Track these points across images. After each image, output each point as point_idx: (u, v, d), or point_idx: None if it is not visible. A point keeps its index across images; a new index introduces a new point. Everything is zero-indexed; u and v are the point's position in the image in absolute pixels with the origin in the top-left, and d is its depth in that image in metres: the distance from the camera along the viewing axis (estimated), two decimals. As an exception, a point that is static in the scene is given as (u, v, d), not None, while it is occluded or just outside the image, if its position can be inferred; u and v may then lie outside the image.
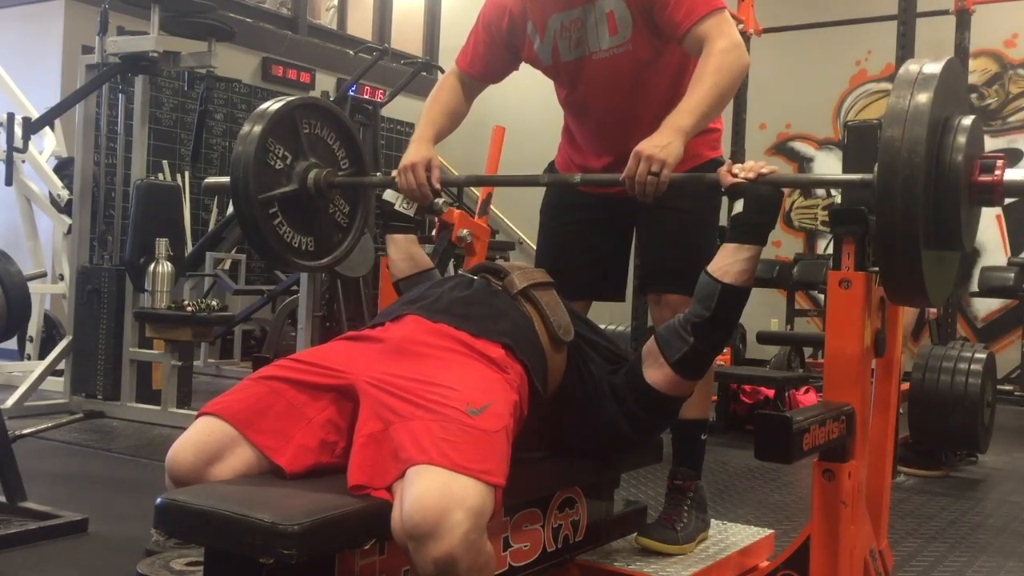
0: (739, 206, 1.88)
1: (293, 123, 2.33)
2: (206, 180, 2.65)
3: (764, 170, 1.86)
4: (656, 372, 1.87)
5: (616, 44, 2.16)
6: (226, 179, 2.31)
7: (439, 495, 1.36)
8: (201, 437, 1.55)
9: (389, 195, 2.23)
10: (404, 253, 2.20)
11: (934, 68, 1.69)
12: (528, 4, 2.24)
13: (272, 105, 2.32)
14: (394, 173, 2.22)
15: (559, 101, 2.40)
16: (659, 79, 2.21)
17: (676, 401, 1.93)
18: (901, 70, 1.71)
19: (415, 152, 2.19)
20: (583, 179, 2.16)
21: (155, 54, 4.89)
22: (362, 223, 2.53)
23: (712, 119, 2.05)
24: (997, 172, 1.71)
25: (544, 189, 2.50)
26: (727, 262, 1.86)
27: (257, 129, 2.25)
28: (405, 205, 2.21)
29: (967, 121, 1.71)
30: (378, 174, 2.45)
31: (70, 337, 5.12)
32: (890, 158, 1.62)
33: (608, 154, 2.27)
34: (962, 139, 1.68)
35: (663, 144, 1.90)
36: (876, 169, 1.66)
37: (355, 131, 2.55)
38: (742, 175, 1.86)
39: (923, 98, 1.64)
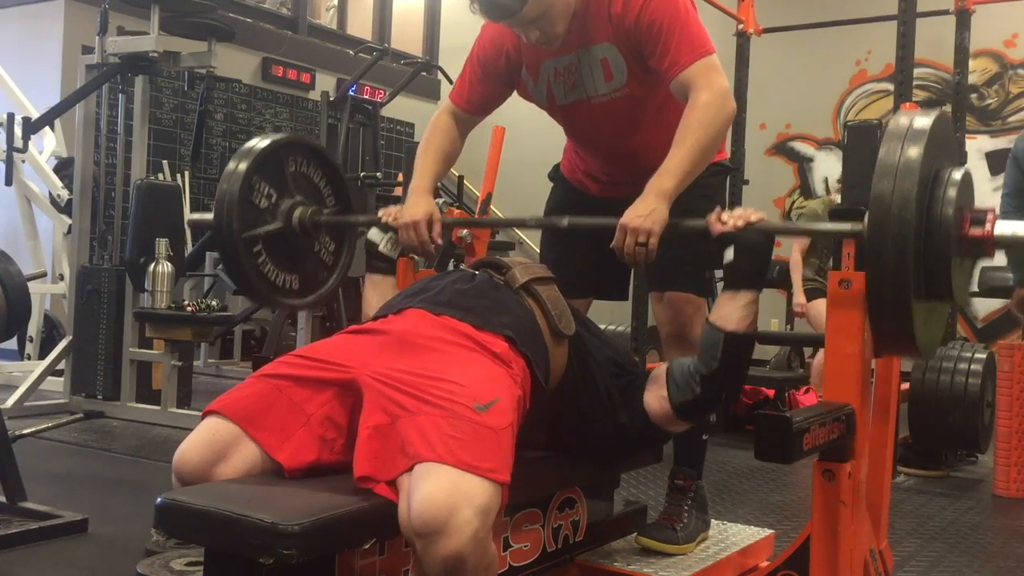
0: (730, 253, 1.85)
1: (279, 161, 2.28)
2: (189, 216, 2.60)
3: (753, 218, 1.84)
4: (656, 403, 1.90)
5: (613, 89, 2.14)
6: (210, 215, 2.26)
7: (448, 494, 1.37)
8: (206, 437, 1.56)
9: (374, 235, 2.19)
10: (382, 295, 2.14)
11: (924, 122, 1.67)
12: (521, 48, 2.20)
13: (258, 143, 2.27)
14: (380, 213, 2.19)
15: (564, 131, 2.39)
16: (664, 114, 2.17)
17: (666, 432, 1.96)
18: (891, 123, 1.69)
19: (415, 207, 2.14)
20: (570, 223, 2.13)
21: (155, 54, 4.89)
22: (348, 261, 2.48)
23: (697, 175, 2.02)
24: (988, 225, 1.70)
25: (549, 189, 2.50)
26: (726, 310, 1.85)
27: (242, 167, 2.20)
28: (390, 247, 2.18)
29: (957, 174, 1.69)
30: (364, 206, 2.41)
31: (70, 337, 5.12)
32: (880, 213, 1.60)
33: (618, 175, 2.26)
34: (952, 192, 1.66)
35: (646, 213, 1.89)
36: (866, 222, 1.64)
37: (341, 169, 2.50)
38: (731, 223, 1.84)
39: (913, 152, 1.62)
